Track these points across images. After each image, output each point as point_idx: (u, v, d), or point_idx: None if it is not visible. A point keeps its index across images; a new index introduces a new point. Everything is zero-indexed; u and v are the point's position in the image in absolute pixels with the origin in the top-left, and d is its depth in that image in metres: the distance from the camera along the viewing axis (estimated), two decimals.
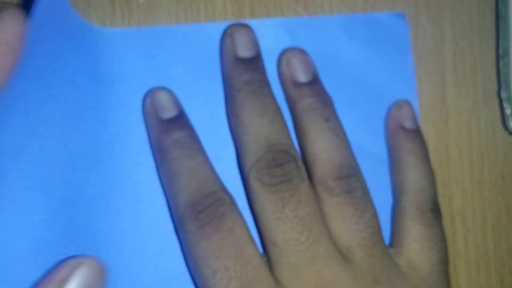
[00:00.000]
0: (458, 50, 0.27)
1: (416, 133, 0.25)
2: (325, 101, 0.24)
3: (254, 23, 0.25)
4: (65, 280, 0.17)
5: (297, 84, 0.24)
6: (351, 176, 0.22)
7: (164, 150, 0.22)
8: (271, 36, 0.25)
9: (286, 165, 0.21)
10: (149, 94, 0.23)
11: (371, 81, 0.26)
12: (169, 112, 0.23)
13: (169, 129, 0.22)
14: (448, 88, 0.27)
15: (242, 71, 0.23)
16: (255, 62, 0.23)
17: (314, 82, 0.24)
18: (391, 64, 0.26)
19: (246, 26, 0.24)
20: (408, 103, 0.25)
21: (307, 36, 0.25)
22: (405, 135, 0.24)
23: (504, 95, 0.26)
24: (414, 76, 0.26)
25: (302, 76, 0.24)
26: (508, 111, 0.26)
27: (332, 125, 0.23)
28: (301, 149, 0.24)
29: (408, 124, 0.25)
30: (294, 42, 0.25)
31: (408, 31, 0.26)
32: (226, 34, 0.24)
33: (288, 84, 0.24)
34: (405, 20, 0.26)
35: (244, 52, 0.23)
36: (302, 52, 0.24)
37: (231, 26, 0.24)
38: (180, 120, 0.23)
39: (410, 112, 0.25)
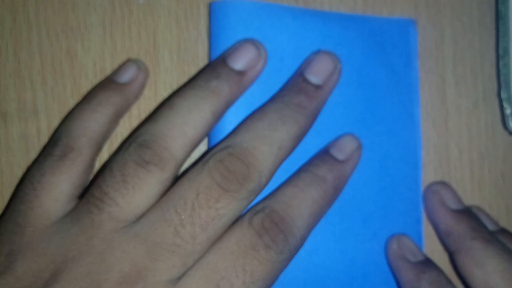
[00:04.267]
0: (458, 50, 0.27)
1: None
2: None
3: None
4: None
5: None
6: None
7: None
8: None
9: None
10: (394, 239, 0.25)
11: (374, 83, 0.26)
12: (418, 256, 0.25)
13: (424, 270, 0.24)
14: (448, 88, 0.27)
15: None
16: None
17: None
18: (396, 68, 0.26)
19: None
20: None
21: (314, 28, 0.25)
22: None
23: (504, 95, 0.26)
24: (419, 83, 0.26)
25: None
26: (508, 111, 0.26)
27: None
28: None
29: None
30: (303, 31, 0.25)
31: (417, 38, 0.26)
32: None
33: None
34: (415, 27, 0.26)
35: None
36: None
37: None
38: (430, 262, 0.24)
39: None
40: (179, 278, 0.20)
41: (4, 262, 0.20)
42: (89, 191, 0.21)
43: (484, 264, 0.23)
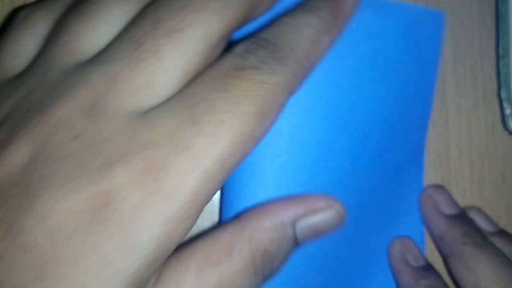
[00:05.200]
0: (458, 50, 0.27)
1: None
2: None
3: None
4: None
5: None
6: None
7: None
8: None
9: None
10: (397, 241, 0.25)
11: (403, 76, 0.24)
12: (419, 261, 0.24)
13: (424, 276, 0.24)
14: (448, 88, 0.27)
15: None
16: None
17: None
18: (425, 65, 0.25)
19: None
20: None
21: None
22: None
23: (504, 95, 0.26)
24: (436, 76, 0.25)
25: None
26: (508, 111, 0.26)
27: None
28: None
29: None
30: None
31: (443, 30, 0.25)
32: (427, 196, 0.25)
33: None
34: (443, 20, 0.25)
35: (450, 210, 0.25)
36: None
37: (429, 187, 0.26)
38: (430, 268, 0.24)
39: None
40: (148, 110, 0.16)
41: None
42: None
43: (474, 269, 0.23)
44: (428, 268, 0.24)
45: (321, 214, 0.20)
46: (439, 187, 0.26)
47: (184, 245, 0.18)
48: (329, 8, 0.19)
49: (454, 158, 0.27)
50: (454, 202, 0.25)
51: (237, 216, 0.19)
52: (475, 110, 0.27)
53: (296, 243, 0.19)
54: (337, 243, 0.25)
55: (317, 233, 0.20)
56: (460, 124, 0.27)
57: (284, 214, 0.19)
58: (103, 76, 0.16)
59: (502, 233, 0.25)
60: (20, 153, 0.15)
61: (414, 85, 0.25)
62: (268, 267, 0.18)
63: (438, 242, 0.25)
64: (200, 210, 0.16)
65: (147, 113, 0.16)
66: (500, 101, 0.26)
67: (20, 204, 0.14)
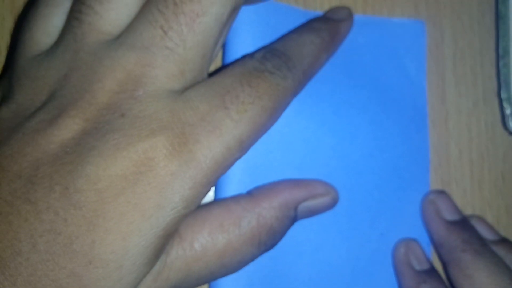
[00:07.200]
0: (458, 50, 0.27)
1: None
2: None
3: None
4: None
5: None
6: None
7: None
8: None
9: None
10: (402, 244, 0.25)
11: (388, 87, 0.26)
12: (423, 265, 0.25)
13: (426, 280, 0.24)
14: (448, 88, 0.27)
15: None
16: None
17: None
18: (408, 72, 0.26)
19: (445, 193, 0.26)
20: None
21: None
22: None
23: (504, 95, 0.26)
24: (425, 84, 0.26)
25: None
26: (508, 111, 0.26)
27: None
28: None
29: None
30: None
31: (425, 40, 0.27)
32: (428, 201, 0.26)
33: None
34: (424, 28, 0.27)
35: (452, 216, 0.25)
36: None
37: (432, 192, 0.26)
38: (433, 272, 0.24)
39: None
40: (182, 91, 0.19)
41: (7, 93, 0.20)
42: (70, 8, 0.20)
43: (472, 277, 0.23)
44: (431, 272, 0.24)
45: (319, 199, 0.23)
46: (441, 192, 0.26)
47: (200, 208, 0.20)
48: (329, 30, 0.23)
49: (454, 158, 0.27)
50: (456, 208, 0.25)
51: (250, 192, 0.22)
52: (475, 110, 0.27)
53: (295, 220, 0.22)
54: (338, 242, 0.25)
55: (313, 213, 0.23)
56: (460, 124, 0.27)
57: (290, 197, 0.22)
58: (140, 62, 0.18)
59: (503, 241, 0.25)
60: (72, 127, 0.18)
61: (404, 91, 0.26)
62: (270, 241, 0.21)
63: (438, 248, 0.25)
64: (216, 180, 0.19)
65: (183, 96, 0.19)
66: (500, 101, 0.26)
67: (74, 169, 0.17)
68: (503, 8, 0.26)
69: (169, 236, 0.18)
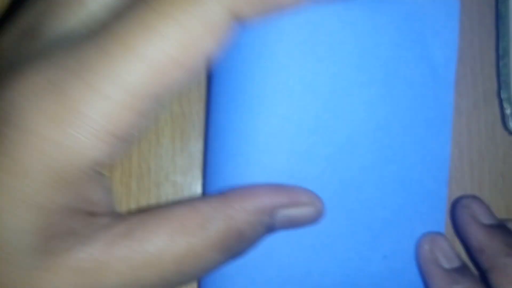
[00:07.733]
0: (458, 50, 0.27)
1: None
2: None
3: None
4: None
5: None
6: None
7: None
8: None
9: None
10: (426, 239, 0.22)
11: (400, 78, 0.22)
12: (453, 262, 0.23)
13: (458, 280, 0.22)
14: None
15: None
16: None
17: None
18: (435, 63, 0.23)
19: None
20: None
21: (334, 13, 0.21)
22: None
23: (504, 95, 0.26)
24: (454, 79, 0.23)
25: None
26: (508, 111, 0.26)
27: None
28: None
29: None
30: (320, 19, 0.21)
31: (458, 23, 0.23)
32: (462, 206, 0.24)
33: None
34: (458, 7, 0.22)
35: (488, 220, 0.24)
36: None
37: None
38: (466, 270, 0.22)
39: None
40: None
41: None
42: None
43: None
44: (463, 270, 0.22)
45: (301, 208, 0.20)
46: (475, 197, 0.24)
47: (161, 206, 0.18)
48: None
49: (454, 158, 0.27)
50: (492, 213, 0.24)
51: (222, 192, 0.19)
52: (475, 110, 0.27)
53: (271, 229, 0.20)
54: (349, 247, 0.22)
55: (293, 225, 0.20)
56: (460, 124, 0.27)
57: (267, 201, 0.19)
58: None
59: None
60: None
61: (427, 88, 0.23)
62: (237, 248, 0.19)
63: (477, 255, 0.23)
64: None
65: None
66: (500, 101, 0.26)
67: None
68: (503, 8, 0.26)
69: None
